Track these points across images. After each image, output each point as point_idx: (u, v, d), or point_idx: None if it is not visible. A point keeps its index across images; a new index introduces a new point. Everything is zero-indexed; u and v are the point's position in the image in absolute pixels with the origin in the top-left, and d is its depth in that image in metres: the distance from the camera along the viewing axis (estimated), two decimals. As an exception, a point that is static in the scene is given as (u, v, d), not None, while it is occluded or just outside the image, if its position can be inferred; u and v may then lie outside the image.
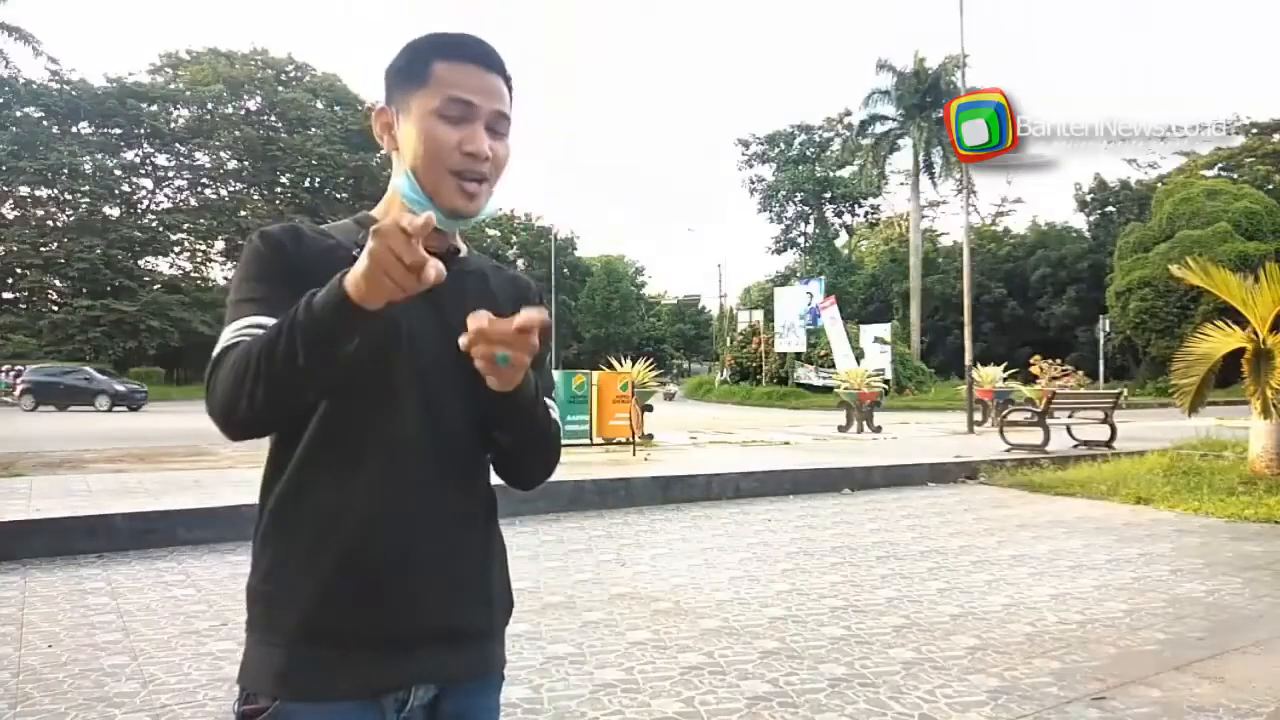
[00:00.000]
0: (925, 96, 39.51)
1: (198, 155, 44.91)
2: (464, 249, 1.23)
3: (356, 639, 1.06)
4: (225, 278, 43.36)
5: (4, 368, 29.46)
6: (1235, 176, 40.79)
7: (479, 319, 0.94)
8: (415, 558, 1.09)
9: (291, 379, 0.95)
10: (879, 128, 42.72)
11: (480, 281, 1.21)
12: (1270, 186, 39.45)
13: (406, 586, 1.08)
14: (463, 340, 0.95)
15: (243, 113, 45.60)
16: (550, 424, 1.21)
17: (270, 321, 1.01)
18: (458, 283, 1.15)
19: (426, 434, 1.11)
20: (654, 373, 14.60)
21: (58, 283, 40.00)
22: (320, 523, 1.06)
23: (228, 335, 1.04)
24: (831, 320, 32.12)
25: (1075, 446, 12.21)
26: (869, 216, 55.50)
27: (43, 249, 39.11)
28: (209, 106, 43.90)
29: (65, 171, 39.02)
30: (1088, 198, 48.23)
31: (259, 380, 0.95)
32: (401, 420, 1.09)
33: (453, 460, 1.14)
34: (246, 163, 45.20)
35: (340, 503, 1.07)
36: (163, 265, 45.50)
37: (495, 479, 1.24)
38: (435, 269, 0.88)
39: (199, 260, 47.00)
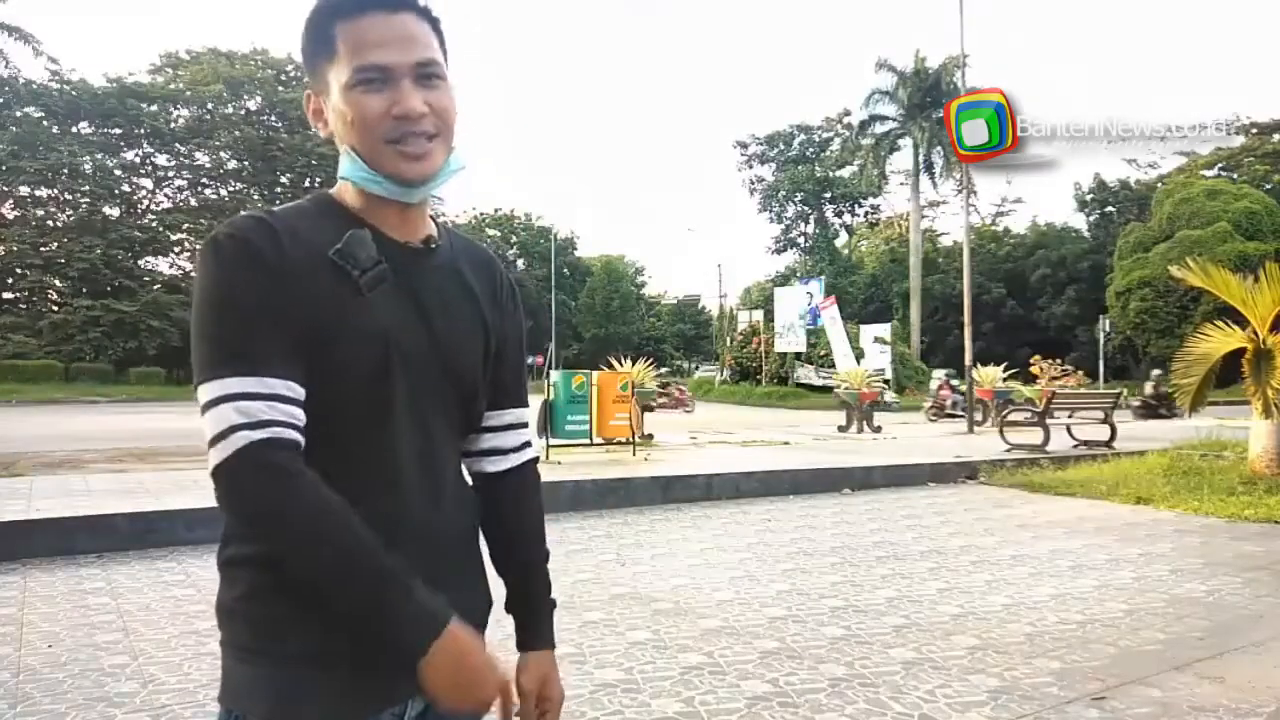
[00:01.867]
0: (925, 96, 39.53)
1: (198, 155, 44.83)
2: (438, 235, 1.15)
3: (358, 659, 1.02)
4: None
5: None
6: (1235, 176, 40.84)
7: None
8: (414, 572, 1.07)
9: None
10: (879, 128, 42.74)
11: (458, 281, 1.15)
12: (1270, 186, 39.50)
13: None
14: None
15: (243, 113, 45.54)
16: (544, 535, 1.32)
17: (277, 387, 0.96)
18: (438, 280, 1.12)
19: (418, 445, 1.08)
20: (654, 372, 14.60)
21: (58, 283, 39.94)
22: None
23: (237, 405, 0.94)
24: (831, 320, 32.14)
25: (1075, 446, 12.21)
26: (869, 216, 55.52)
27: (43, 249, 39.05)
28: (209, 106, 43.85)
29: (65, 171, 38.96)
30: (1088, 198, 48.26)
31: (311, 573, 0.97)
32: (397, 433, 1.06)
33: (442, 469, 1.12)
34: (246, 163, 45.15)
35: None
36: (163, 265, 45.43)
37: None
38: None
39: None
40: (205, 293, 0.99)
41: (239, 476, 0.94)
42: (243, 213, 1.06)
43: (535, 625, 1.25)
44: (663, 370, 30.62)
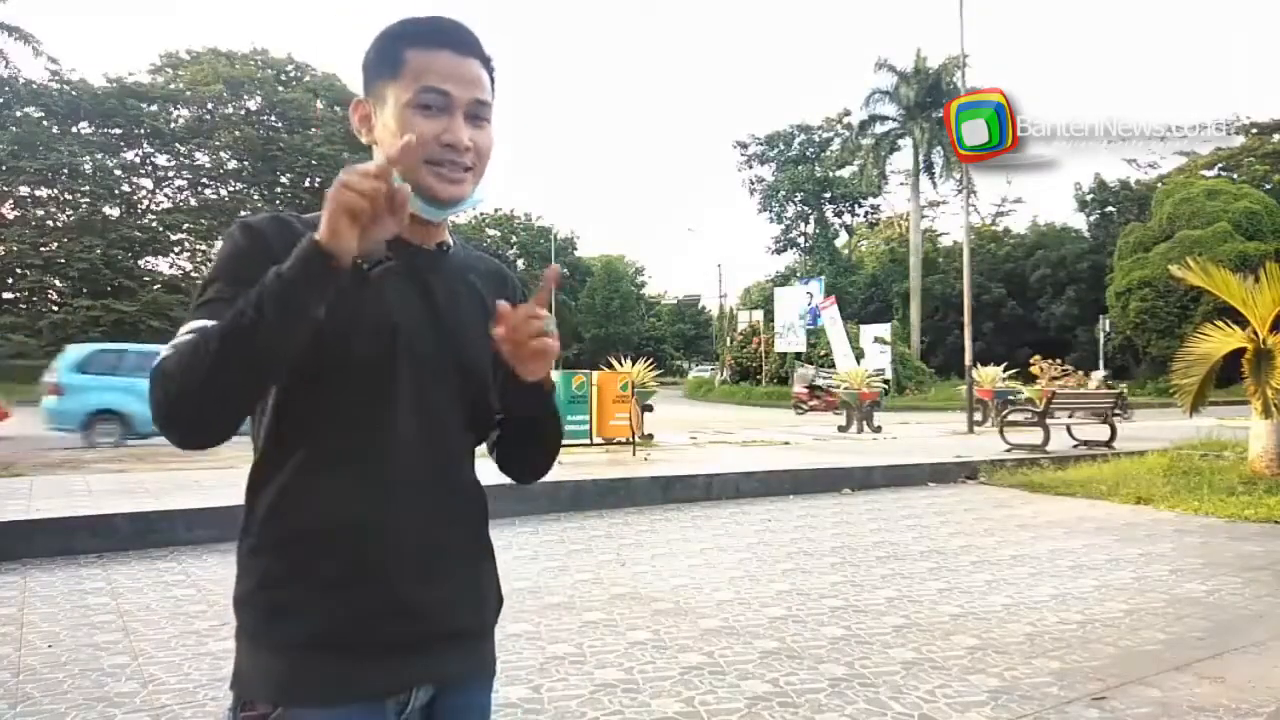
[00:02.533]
0: (925, 96, 39.50)
1: (198, 155, 44.82)
2: (452, 243, 1.21)
3: (361, 645, 1.05)
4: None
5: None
6: (1235, 176, 40.78)
7: (504, 308, 1.04)
8: (417, 563, 1.09)
9: (258, 354, 0.92)
10: (879, 128, 42.70)
11: (467, 283, 1.20)
12: (1270, 186, 39.45)
13: (410, 592, 1.08)
14: (497, 330, 1.04)
15: (243, 113, 45.51)
16: (559, 419, 1.25)
17: None
18: (449, 281, 1.16)
19: (424, 436, 1.10)
20: (654, 372, 14.59)
21: (58, 283, 39.93)
22: (320, 531, 1.05)
23: (180, 337, 0.97)
24: (831, 320, 32.11)
25: (1075, 446, 12.21)
26: (869, 216, 55.51)
27: (43, 249, 39.03)
28: (209, 106, 43.84)
29: (65, 171, 38.95)
30: (1088, 198, 48.19)
31: (221, 364, 0.91)
32: (401, 424, 1.08)
33: (449, 462, 1.14)
34: (246, 163, 45.13)
35: (341, 510, 1.06)
36: (163, 265, 45.41)
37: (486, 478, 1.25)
38: (403, 193, 0.95)
39: (199, 260, 46.87)
40: (212, 265, 1.07)
41: (152, 378, 0.96)
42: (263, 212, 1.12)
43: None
44: (814, 372, 28.78)
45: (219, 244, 1.09)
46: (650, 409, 13.55)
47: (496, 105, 1.17)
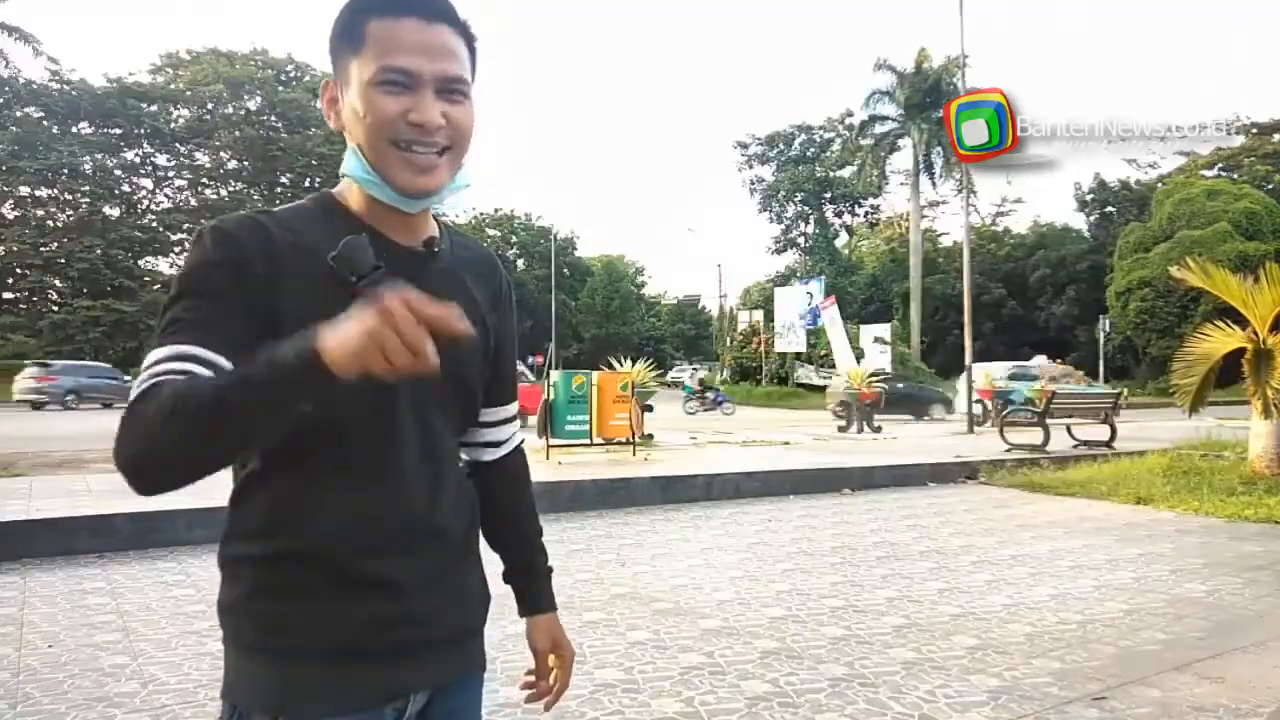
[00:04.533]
0: (925, 96, 39.52)
1: (198, 155, 44.86)
2: (439, 236, 1.14)
3: (357, 655, 1.04)
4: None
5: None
6: (1235, 176, 40.82)
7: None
8: (412, 574, 1.07)
9: (233, 435, 0.88)
10: (879, 128, 42.74)
11: (459, 284, 1.14)
12: (1270, 186, 39.50)
13: (407, 601, 1.06)
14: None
15: (243, 113, 45.52)
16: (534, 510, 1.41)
17: (203, 354, 0.93)
18: (439, 285, 1.08)
19: (419, 450, 1.09)
20: (654, 372, 14.59)
21: (58, 283, 39.93)
22: (314, 545, 1.02)
23: (152, 369, 0.92)
24: (831, 320, 32.12)
25: (1075, 446, 12.21)
26: (869, 216, 55.50)
27: (43, 249, 39.03)
28: (209, 106, 43.86)
29: (65, 171, 38.96)
30: (1088, 198, 48.23)
31: (194, 436, 0.86)
32: (397, 440, 1.06)
33: (443, 471, 1.13)
34: (246, 163, 45.15)
35: (336, 524, 1.03)
36: (163, 265, 45.36)
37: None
38: (432, 359, 0.83)
39: (199, 260, 46.89)
40: (178, 275, 1.01)
41: (124, 419, 0.90)
42: (243, 211, 1.06)
43: (538, 591, 1.33)
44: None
45: (190, 246, 1.00)
46: (650, 409, 13.52)
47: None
